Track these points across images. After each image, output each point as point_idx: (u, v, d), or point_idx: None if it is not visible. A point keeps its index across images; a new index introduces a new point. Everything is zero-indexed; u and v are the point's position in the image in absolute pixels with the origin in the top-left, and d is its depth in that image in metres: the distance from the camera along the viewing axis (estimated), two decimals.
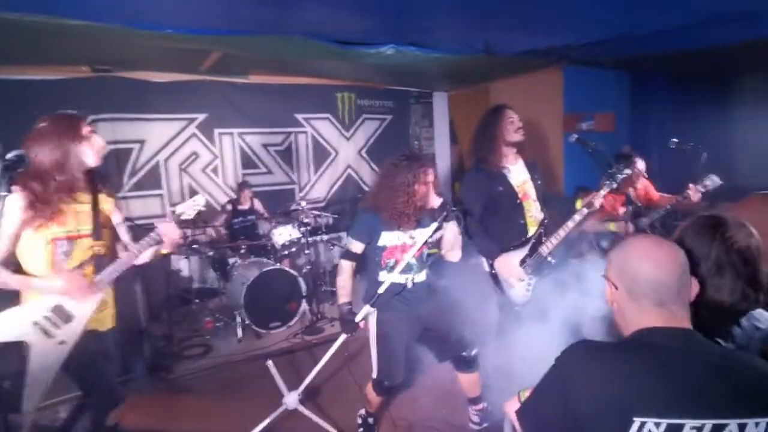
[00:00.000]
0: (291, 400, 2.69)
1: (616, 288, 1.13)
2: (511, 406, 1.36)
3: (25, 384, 1.81)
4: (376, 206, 2.32)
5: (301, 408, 2.77)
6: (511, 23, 3.52)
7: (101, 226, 2.07)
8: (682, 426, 0.92)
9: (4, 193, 1.17)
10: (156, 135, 5.16)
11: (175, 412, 3.08)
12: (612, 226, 3.13)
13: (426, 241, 2.29)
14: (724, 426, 0.92)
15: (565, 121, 5.20)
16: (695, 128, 4.56)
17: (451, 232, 2.37)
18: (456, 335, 2.50)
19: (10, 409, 1.72)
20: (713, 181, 2.92)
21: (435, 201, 2.32)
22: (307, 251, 4.80)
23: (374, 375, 2.49)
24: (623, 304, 1.12)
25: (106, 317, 2.15)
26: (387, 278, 2.28)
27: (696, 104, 4.83)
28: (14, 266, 1.91)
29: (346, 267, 2.38)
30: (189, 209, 2.22)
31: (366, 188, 6.52)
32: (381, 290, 2.26)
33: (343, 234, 6.26)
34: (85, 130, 1.98)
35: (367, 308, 2.30)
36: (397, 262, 2.31)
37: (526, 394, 1.29)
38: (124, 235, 2.24)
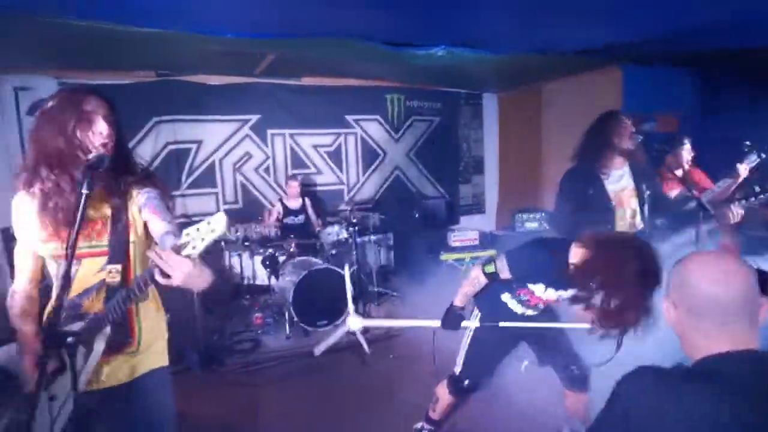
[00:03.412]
0: (354, 321, 2.46)
1: (675, 307, 1.06)
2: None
3: None
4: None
5: (359, 335, 3.01)
6: (566, 20, 3.38)
7: (125, 243, 1.48)
8: None
9: (86, 191, 1.21)
10: (212, 136, 5.39)
11: (225, 403, 3.18)
12: None
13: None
14: None
15: None
16: None
17: None
18: (565, 345, 2.28)
19: None
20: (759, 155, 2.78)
21: None
22: (354, 251, 4.84)
23: (456, 370, 2.36)
24: (685, 325, 1.05)
25: (136, 360, 1.53)
26: (509, 304, 2.20)
27: None
28: None
29: (482, 283, 2.14)
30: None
31: (413, 189, 6.51)
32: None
33: (390, 234, 6.26)
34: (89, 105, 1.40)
35: (477, 322, 2.21)
36: (528, 301, 2.17)
37: None
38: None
